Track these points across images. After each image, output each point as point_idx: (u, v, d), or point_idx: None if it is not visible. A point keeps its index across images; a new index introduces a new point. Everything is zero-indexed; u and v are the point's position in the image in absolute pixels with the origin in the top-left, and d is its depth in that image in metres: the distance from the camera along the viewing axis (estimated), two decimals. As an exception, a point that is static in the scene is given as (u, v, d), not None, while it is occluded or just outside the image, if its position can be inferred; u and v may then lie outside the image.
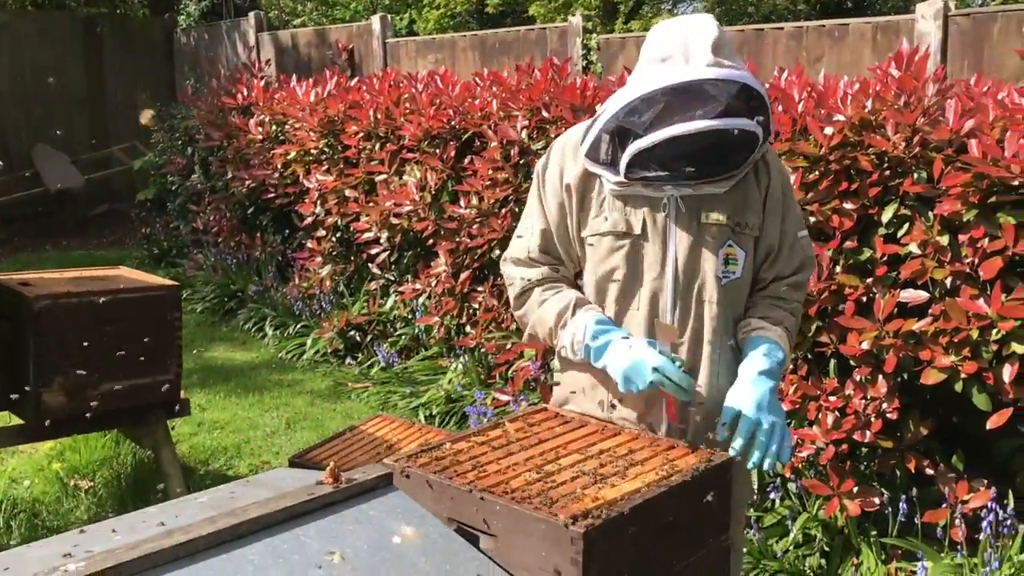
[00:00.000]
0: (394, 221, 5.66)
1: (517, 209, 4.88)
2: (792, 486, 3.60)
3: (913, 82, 3.54)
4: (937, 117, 3.46)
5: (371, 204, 5.91)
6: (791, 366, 3.60)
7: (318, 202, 6.49)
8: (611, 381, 2.09)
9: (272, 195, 7.06)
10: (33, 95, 10.86)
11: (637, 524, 1.63)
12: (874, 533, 3.36)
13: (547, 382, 4.41)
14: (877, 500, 3.32)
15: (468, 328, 5.34)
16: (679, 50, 1.92)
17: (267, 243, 7.44)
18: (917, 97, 3.52)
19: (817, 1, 15.60)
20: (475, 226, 5.05)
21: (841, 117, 3.55)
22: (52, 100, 10.99)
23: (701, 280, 2.08)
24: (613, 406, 2.13)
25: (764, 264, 2.16)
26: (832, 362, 3.55)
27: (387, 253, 5.95)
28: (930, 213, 3.35)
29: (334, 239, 6.59)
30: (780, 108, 3.73)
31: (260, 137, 7.32)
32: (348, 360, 6.09)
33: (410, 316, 5.89)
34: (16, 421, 3.65)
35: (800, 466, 3.55)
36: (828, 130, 3.54)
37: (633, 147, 1.94)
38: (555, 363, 2.32)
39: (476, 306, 5.25)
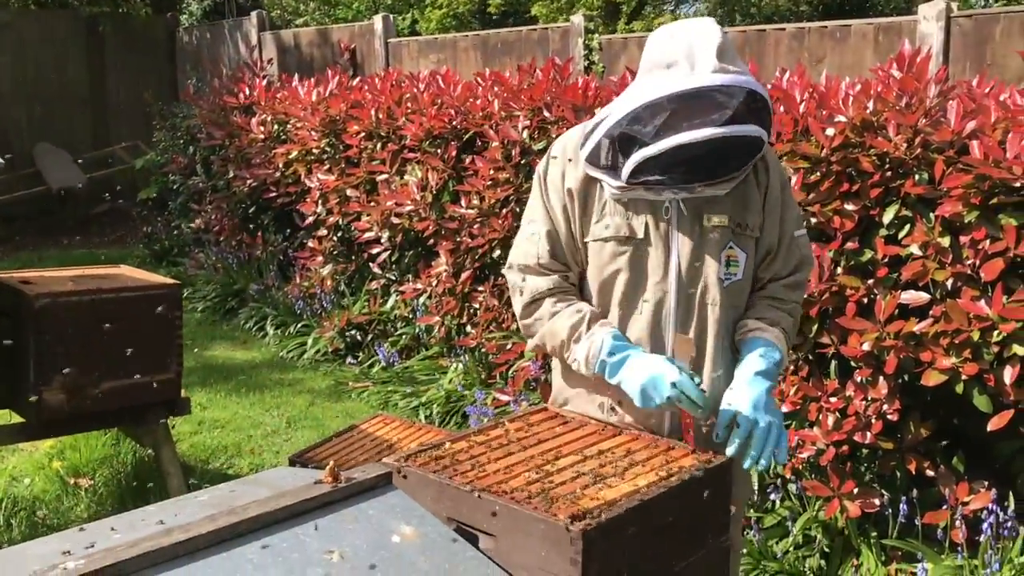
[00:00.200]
0: (395, 221, 5.67)
1: (518, 209, 4.88)
2: (792, 487, 3.60)
3: (915, 83, 3.54)
4: (939, 118, 3.46)
5: (372, 204, 5.92)
6: (792, 367, 3.60)
7: (319, 201, 6.50)
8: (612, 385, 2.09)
9: (273, 194, 7.07)
10: (35, 94, 10.88)
11: (637, 524, 1.63)
12: (874, 534, 3.36)
13: (547, 382, 4.41)
14: (877, 501, 3.32)
15: (469, 328, 5.35)
16: (684, 56, 1.90)
17: (268, 242, 7.44)
18: (919, 98, 3.52)
19: (819, 2, 15.61)
20: (476, 226, 5.06)
21: (842, 118, 3.55)
22: (54, 99, 11.01)
23: (704, 283, 2.07)
24: (614, 409, 2.13)
25: (762, 264, 2.16)
26: (833, 363, 3.55)
27: (388, 253, 5.95)
28: (931, 214, 3.34)
29: (335, 238, 6.60)
30: (782, 109, 3.73)
31: (262, 136, 7.33)
32: (349, 359, 6.10)
33: (411, 316, 5.89)
34: (16, 419, 3.65)
35: (800, 467, 3.55)
36: (829, 131, 3.53)
37: (639, 154, 1.92)
38: (555, 362, 2.31)
39: (477, 306, 5.25)
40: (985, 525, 3.11)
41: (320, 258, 6.71)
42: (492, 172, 4.98)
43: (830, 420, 3.39)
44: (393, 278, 6.12)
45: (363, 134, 6.15)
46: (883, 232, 3.46)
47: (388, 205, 5.65)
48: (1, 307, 3.49)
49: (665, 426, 2.09)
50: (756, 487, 3.58)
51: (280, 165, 6.96)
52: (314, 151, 6.66)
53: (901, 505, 3.26)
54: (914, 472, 3.33)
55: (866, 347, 3.31)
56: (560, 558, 1.55)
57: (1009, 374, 3.06)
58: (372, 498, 1.70)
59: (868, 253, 3.46)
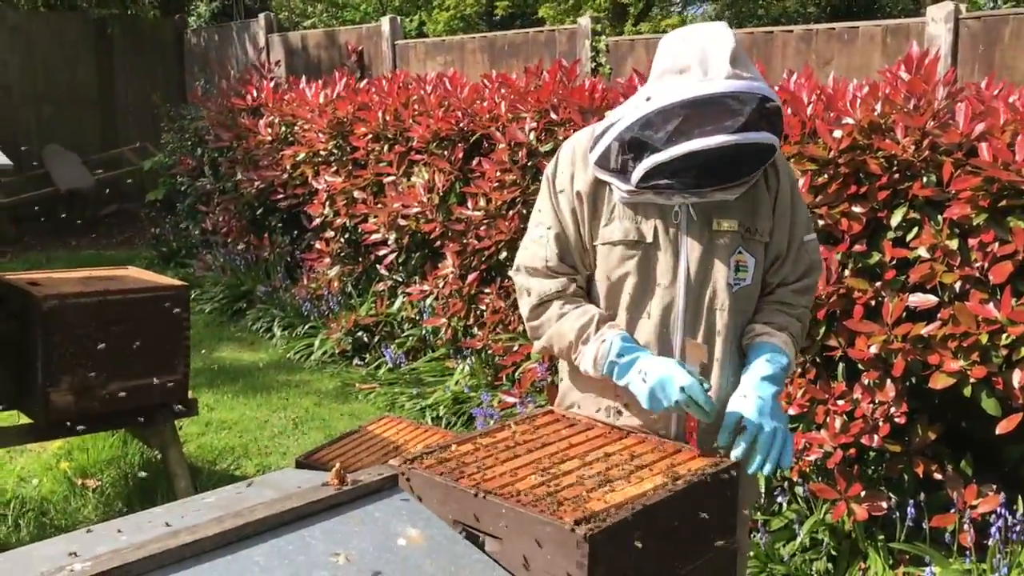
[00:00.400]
0: (402, 223, 5.67)
1: (525, 211, 4.88)
2: (799, 490, 3.59)
3: (923, 85, 3.53)
4: (947, 120, 3.45)
5: (379, 205, 5.92)
6: (799, 369, 3.59)
7: (327, 203, 6.51)
8: (619, 388, 2.09)
9: (281, 196, 7.08)
10: (44, 95, 10.92)
11: (643, 528, 1.62)
12: (881, 538, 3.35)
13: (554, 384, 4.41)
14: (885, 504, 3.31)
15: (475, 329, 5.35)
16: (697, 61, 1.89)
17: (276, 244, 7.45)
18: (927, 100, 3.51)
19: (827, 4, 15.58)
20: (482, 228, 5.06)
21: (850, 120, 3.54)
22: (63, 100, 11.06)
23: (712, 288, 2.06)
24: (619, 412, 2.12)
25: (771, 269, 2.15)
26: (840, 366, 3.54)
27: (395, 254, 5.96)
28: (939, 217, 3.33)
29: (342, 240, 6.61)
30: (789, 111, 3.72)
31: (269, 138, 7.34)
32: (356, 361, 6.10)
33: (417, 317, 5.89)
34: (25, 420, 3.67)
35: (807, 470, 3.54)
36: (837, 133, 3.53)
37: (650, 160, 1.91)
38: (562, 364, 2.31)
39: (483, 308, 5.25)
40: (994, 529, 3.10)
41: (327, 260, 6.73)
42: (499, 174, 4.98)
43: (837, 423, 3.38)
44: (400, 280, 6.12)
45: (370, 136, 6.16)
46: (891, 234, 3.45)
47: (395, 207, 5.66)
48: (9, 308, 3.51)
49: (672, 430, 2.09)
50: (763, 490, 3.57)
51: (287, 167, 6.97)
52: (321, 153, 6.67)
53: (909, 508, 3.25)
54: (922, 475, 3.32)
55: (874, 350, 3.30)
56: (566, 561, 1.55)
57: (1018, 377, 3.05)
58: (378, 500, 1.70)
59: (876, 255, 3.45)
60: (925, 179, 3.39)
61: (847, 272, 3.47)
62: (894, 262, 3.41)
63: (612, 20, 14.31)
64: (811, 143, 3.62)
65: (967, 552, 3.14)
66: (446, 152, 5.53)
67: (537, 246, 2.15)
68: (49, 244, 10.17)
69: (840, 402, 3.41)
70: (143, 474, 4.15)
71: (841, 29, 6.09)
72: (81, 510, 3.96)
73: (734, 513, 1.88)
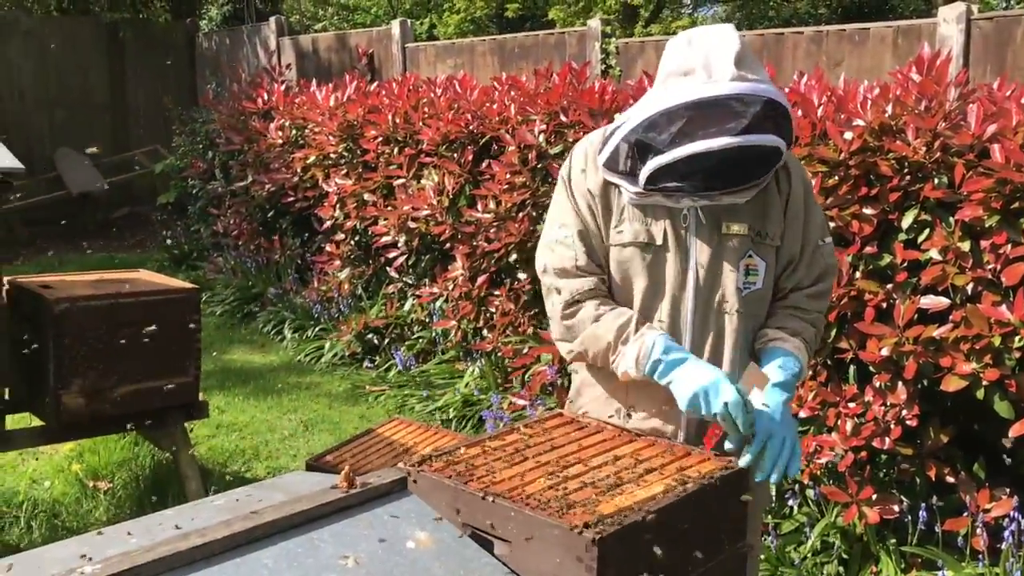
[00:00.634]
0: (412, 225, 5.68)
1: (534, 213, 4.88)
2: (810, 493, 3.58)
3: (934, 87, 3.51)
4: (959, 122, 3.43)
5: (389, 208, 5.93)
6: (810, 372, 3.58)
7: (337, 206, 6.52)
8: (630, 391, 2.08)
9: (292, 199, 7.10)
10: (56, 99, 10.99)
11: (652, 531, 1.62)
12: (893, 541, 3.33)
13: (564, 386, 4.41)
14: (896, 508, 3.29)
15: (485, 332, 5.35)
16: (701, 64, 1.89)
17: (286, 246, 7.48)
18: (938, 101, 3.49)
19: (838, 5, 15.55)
20: (492, 230, 5.06)
21: (861, 122, 3.53)
22: (75, 104, 11.13)
23: (722, 292, 2.05)
24: (629, 415, 2.12)
25: (784, 273, 2.13)
26: (852, 368, 3.53)
27: (405, 257, 5.97)
28: (951, 219, 3.32)
29: (352, 243, 6.62)
30: (800, 113, 3.71)
31: (280, 141, 7.36)
32: (366, 363, 6.11)
33: (427, 320, 5.90)
34: (37, 422, 3.68)
35: (819, 473, 3.53)
36: (848, 135, 3.51)
37: (654, 162, 1.91)
38: (574, 366, 2.30)
39: (493, 310, 5.26)
40: (1007, 532, 3.08)
41: (338, 262, 6.74)
42: (508, 176, 4.98)
43: (848, 425, 3.37)
44: (410, 282, 6.13)
45: (380, 139, 6.17)
46: (902, 236, 3.44)
47: (405, 209, 5.67)
48: (22, 311, 3.53)
49: (680, 435, 2.08)
50: (774, 493, 3.56)
51: (298, 170, 7.00)
52: (332, 156, 6.69)
53: (920, 512, 3.24)
54: (934, 478, 3.30)
55: (885, 352, 3.29)
56: (575, 564, 1.54)
57: (1030, 380, 3.03)
58: (387, 503, 1.71)
59: (887, 258, 3.44)
60: (936, 181, 3.38)
61: (858, 274, 3.46)
62: (905, 264, 3.40)
63: (622, 22, 14.31)
64: (822, 145, 3.61)
65: (980, 556, 3.12)
66: (456, 154, 5.53)
67: (562, 247, 2.11)
68: (61, 247, 10.23)
69: (851, 405, 3.40)
70: (153, 486, 4.16)
71: (852, 30, 6.07)
72: (92, 512, 3.97)
73: (744, 517, 1.88)
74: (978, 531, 3.13)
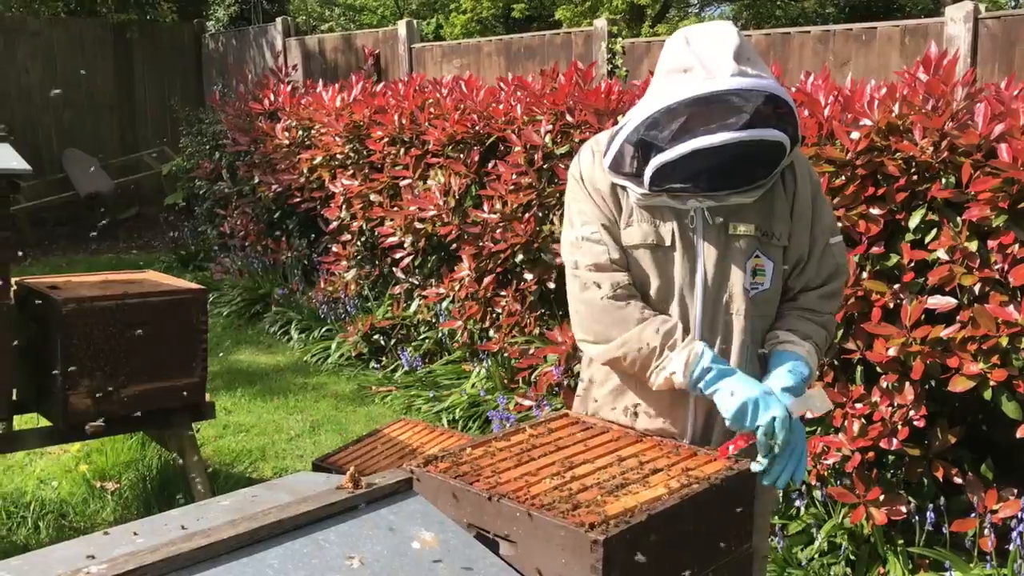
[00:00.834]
0: (418, 226, 5.69)
1: (540, 214, 4.88)
2: (817, 494, 3.57)
3: (941, 86, 3.50)
4: (966, 121, 3.42)
5: (396, 209, 5.94)
6: (817, 372, 3.57)
7: (343, 206, 6.53)
8: (637, 391, 2.08)
9: (298, 199, 7.12)
10: (64, 100, 11.02)
11: (658, 532, 1.62)
12: (901, 542, 3.32)
13: (570, 387, 4.40)
14: (904, 508, 3.28)
15: (491, 332, 5.35)
16: (700, 60, 1.88)
17: (293, 247, 7.49)
18: (946, 101, 3.48)
19: (845, 4, 15.51)
20: (498, 231, 5.06)
21: (868, 122, 3.52)
22: (82, 105, 11.17)
23: (729, 292, 2.04)
24: (636, 414, 2.11)
25: (793, 272, 2.12)
26: (859, 369, 3.52)
27: (411, 257, 5.97)
28: (958, 219, 3.31)
29: (359, 243, 6.63)
30: (806, 112, 3.70)
31: (287, 142, 7.38)
32: (372, 364, 6.12)
33: (434, 320, 5.90)
34: (44, 423, 3.69)
35: (826, 473, 3.52)
36: (855, 135, 3.50)
37: (656, 161, 1.91)
38: (584, 364, 2.29)
39: (499, 310, 5.26)
40: (1015, 533, 3.06)
41: (344, 263, 6.75)
42: (514, 177, 4.98)
43: (855, 426, 3.36)
44: (416, 283, 6.14)
45: (387, 139, 6.18)
46: (909, 236, 3.43)
47: (411, 210, 5.67)
48: (30, 312, 3.54)
49: (687, 435, 2.08)
50: (780, 494, 3.55)
51: (305, 170, 7.01)
52: (338, 156, 6.69)
53: (928, 512, 3.22)
54: (941, 479, 3.29)
55: (892, 352, 3.28)
56: (581, 565, 1.54)
57: (1039, 380, 3.02)
58: (393, 504, 1.71)
59: (894, 258, 3.43)
60: (944, 181, 3.37)
61: (865, 274, 3.45)
62: (912, 264, 3.39)
63: (629, 22, 14.31)
64: (828, 145, 3.60)
65: (988, 557, 3.11)
66: (462, 155, 5.54)
67: (589, 243, 2.08)
68: (69, 248, 10.26)
69: (859, 405, 3.39)
70: (160, 487, 4.17)
71: (859, 30, 6.06)
72: (99, 512, 3.99)
73: (751, 518, 1.87)
74: (986, 532, 3.11)
